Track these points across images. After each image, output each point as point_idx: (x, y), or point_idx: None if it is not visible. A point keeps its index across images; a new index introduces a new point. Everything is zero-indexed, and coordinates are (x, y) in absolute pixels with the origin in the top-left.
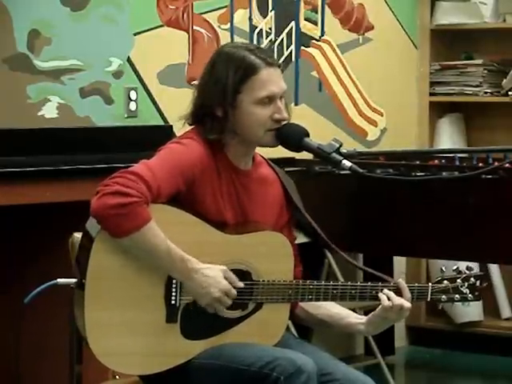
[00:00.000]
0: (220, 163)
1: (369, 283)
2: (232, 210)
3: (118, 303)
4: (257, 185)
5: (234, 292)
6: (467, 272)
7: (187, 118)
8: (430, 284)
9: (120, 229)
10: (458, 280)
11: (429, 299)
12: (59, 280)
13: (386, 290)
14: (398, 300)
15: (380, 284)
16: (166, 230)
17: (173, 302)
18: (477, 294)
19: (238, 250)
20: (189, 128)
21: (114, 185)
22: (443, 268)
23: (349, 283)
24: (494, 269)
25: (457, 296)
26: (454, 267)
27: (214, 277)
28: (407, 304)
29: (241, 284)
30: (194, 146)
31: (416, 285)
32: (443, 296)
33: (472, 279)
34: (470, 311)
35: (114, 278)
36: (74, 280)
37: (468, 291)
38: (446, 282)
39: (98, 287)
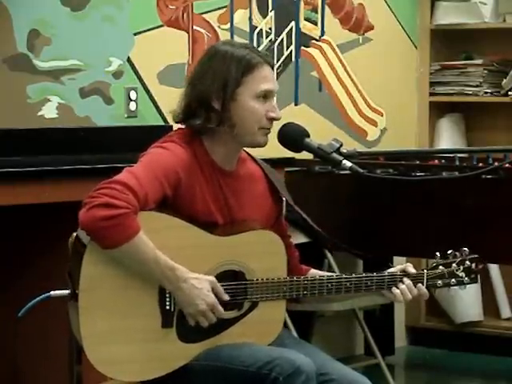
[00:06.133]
0: (204, 165)
1: (363, 274)
2: (220, 212)
3: (113, 312)
4: (242, 183)
5: (221, 309)
6: (462, 255)
7: (177, 113)
8: (425, 271)
9: (109, 241)
10: (454, 264)
11: (425, 286)
12: (52, 293)
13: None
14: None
15: (375, 274)
16: (156, 236)
17: (167, 307)
18: (473, 276)
19: (230, 250)
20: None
21: (102, 196)
22: (437, 253)
23: (343, 276)
24: (494, 269)
25: (453, 280)
26: (449, 251)
27: (201, 288)
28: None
29: (227, 297)
30: (177, 148)
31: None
32: (439, 281)
33: (467, 262)
34: (470, 311)
35: (106, 287)
36: (67, 292)
37: (464, 274)
38: (441, 267)
39: (91, 297)
